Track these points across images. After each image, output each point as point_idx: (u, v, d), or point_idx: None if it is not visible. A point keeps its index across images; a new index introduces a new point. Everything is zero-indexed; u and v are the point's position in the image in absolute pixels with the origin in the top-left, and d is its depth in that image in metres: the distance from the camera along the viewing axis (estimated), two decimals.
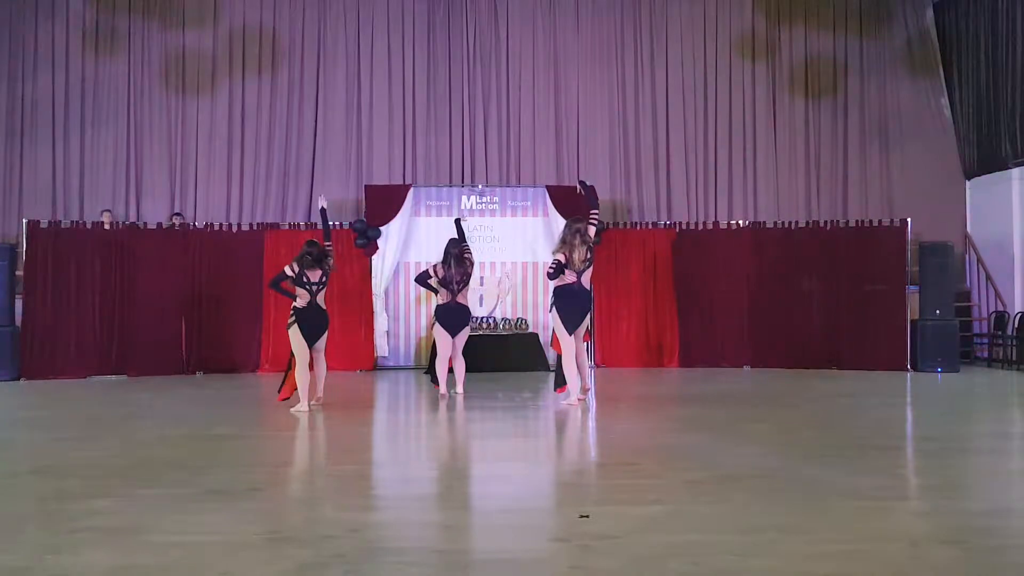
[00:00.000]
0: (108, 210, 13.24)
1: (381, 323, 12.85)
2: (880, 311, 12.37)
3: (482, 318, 12.82)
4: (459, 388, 9.44)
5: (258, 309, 12.44)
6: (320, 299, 8.41)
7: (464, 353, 9.51)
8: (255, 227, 12.88)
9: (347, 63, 14.51)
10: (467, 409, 8.64)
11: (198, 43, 14.28)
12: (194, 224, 13.00)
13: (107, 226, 12.59)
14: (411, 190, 13.08)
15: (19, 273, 11.79)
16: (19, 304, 11.64)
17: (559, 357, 8.80)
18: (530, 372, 12.19)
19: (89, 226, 12.29)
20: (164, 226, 12.69)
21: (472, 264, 9.47)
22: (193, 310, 12.27)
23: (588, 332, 9.32)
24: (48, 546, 3.92)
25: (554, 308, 8.58)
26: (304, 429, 7.51)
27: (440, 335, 9.42)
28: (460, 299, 9.35)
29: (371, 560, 3.72)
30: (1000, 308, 13.43)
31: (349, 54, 14.53)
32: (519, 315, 13.03)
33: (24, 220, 12.09)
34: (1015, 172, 13.52)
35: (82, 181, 13.90)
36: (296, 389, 8.38)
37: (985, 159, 14.18)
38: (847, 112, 15.00)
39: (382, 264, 12.84)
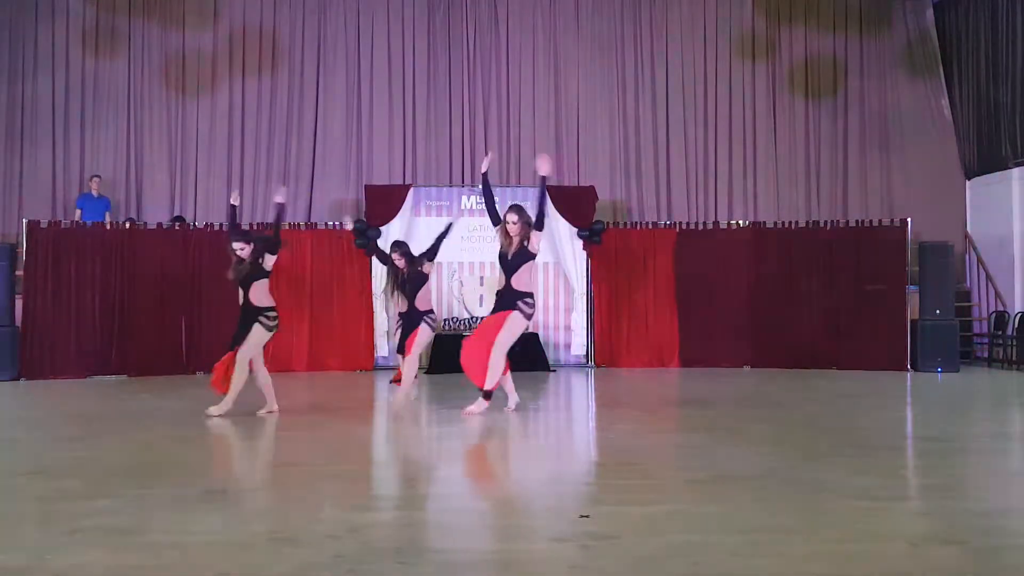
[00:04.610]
0: (97, 175, 13.48)
1: (381, 323, 12.85)
2: (880, 311, 12.38)
3: (481, 318, 12.79)
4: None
5: None
6: (255, 295, 8.12)
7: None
8: (255, 227, 12.85)
9: (347, 63, 14.50)
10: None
11: (198, 43, 14.28)
12: (194, 224, 12.99)
13: (95, 193, 13.12)
14: (411, 190, 13.08)
15: (19, 273, 11.79)
16: (19, 304, 11.64)
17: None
18: (530, 372, 12.17)
19: (90, 226, 12.30)
20: (164, 226, 12.68)
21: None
22: (193, 310, 12.24)
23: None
24: (48, 546, 3.92)
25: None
26: (304, 430, 7.51)
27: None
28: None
29: (371, 560, 3.72)
30: (1000, 308, 13.42)
31: (349, 54, 14.52)
32: None
33: (24, 220, 12.08)
34: (1015, 172, 13.52)
35: (82, 181, 13.89)
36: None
37: (985, 159, 14.18)
38: (847, 112, 15.00)
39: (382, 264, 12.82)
